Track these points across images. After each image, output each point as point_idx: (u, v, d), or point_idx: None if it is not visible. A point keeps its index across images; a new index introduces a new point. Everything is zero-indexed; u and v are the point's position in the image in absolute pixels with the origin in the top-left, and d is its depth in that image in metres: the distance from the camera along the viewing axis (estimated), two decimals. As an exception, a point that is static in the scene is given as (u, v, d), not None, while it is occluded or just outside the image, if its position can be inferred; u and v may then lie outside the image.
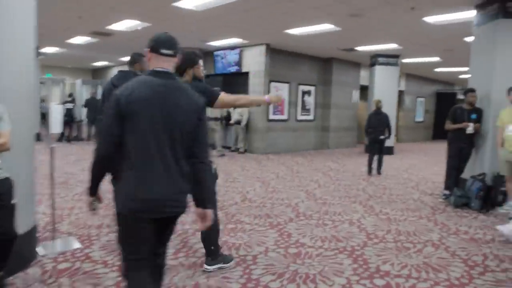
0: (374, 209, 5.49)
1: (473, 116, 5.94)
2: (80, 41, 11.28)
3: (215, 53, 12.19)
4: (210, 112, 10.64)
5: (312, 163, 9.91)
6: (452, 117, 6.10)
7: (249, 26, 8.78)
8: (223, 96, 3.11)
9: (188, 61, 3.03)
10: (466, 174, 6.09)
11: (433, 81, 18.70)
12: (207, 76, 13.10)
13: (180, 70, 2.99)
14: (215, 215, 2.99)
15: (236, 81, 12.22)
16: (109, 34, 9.87)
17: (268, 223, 4.70)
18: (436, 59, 12.13)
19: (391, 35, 9.09)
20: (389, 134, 8.38)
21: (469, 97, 5.98)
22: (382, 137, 8.26)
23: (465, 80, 18.04)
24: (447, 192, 6.13)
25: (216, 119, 10.44)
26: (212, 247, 3.25)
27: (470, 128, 5.88)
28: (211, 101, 3.00)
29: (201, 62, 3.14)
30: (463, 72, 15.18)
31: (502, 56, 5.72)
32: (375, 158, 8.38)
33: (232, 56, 11.79)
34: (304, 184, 7.09)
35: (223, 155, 10.66)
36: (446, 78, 18.34)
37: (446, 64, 13.26)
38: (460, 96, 21.44)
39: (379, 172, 8.44)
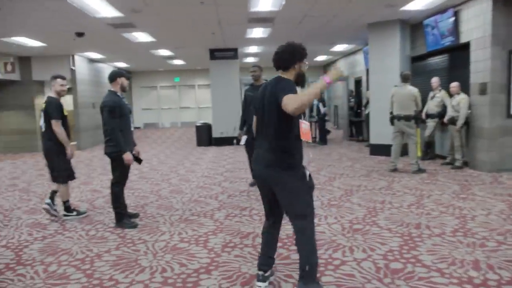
0: None
1: None
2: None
3: (425, 22, 8.33)
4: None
5: None
6: None
7: None
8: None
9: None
10: None
11: None
12: (423, 57, 9.16)
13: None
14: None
15: (452, 59, 8.10)
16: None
17: None
18: None
19: None
20: None
21: None
22: None
23: None
24: None
25: (416, 119, 6.90)
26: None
27: None
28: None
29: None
30: None
31: None
32: None
33: (445, 22, 7.75)
34: None
35: (420, 170, 6.87)
36: None
37: None
38: None
39: None
